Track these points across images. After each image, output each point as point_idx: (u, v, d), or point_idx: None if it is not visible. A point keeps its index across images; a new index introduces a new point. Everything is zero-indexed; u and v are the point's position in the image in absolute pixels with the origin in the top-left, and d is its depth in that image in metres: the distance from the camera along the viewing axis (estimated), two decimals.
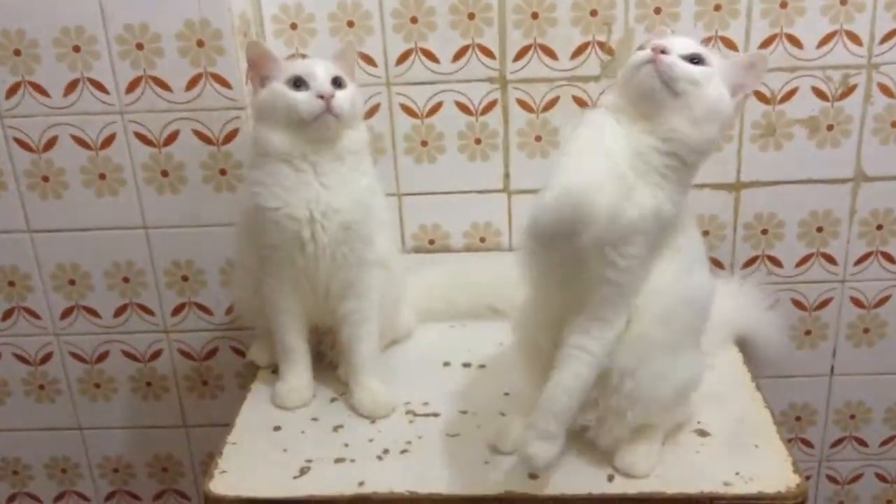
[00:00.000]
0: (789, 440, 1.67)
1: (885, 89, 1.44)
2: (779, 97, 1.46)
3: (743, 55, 0.96)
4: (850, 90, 1.45)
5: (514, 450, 1.03)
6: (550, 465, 0.95)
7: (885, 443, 1.69)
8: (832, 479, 1.73)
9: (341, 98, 1.09)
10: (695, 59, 0.91)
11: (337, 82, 1.10)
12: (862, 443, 1.69)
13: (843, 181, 1.50)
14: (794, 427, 1.68)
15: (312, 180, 1.10)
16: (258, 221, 1.13)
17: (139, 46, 1.35)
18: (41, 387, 1.63)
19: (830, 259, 1.55)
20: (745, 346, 1.30)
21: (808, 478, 1.61)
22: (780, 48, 1.42)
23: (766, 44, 1.42)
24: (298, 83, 1.09)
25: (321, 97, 1.07)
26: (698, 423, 1.09)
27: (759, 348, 1.31)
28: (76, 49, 1.36)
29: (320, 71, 1.09)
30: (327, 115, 1.07)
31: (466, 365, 1.27)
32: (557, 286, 0.96)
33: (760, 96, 1.45)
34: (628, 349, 0.95)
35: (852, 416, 1.67)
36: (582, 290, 0.93)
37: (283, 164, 1.10)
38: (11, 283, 1.54)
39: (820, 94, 1.45)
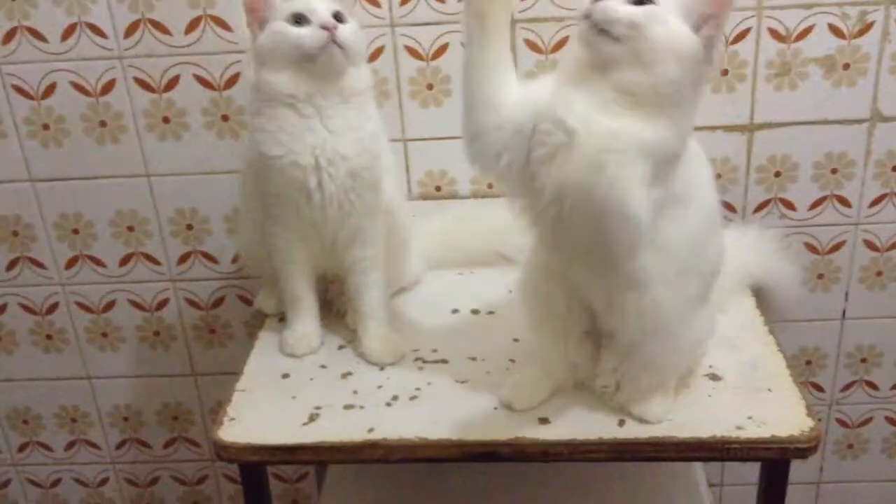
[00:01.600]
0: (800, 384, 1.67)
1: None
2: (794, 35, 1.42)
3: None
4: (868, 28, 1.41)
5: (529, 408, 1.02)
6: None
7: (895, 386, 1.69)
8: (842, 423, 1.73)
9: (345, 30, 1.06)
10: (642, 1, 0.85)
11: (338, 17, 1.07)
12: (873, 386, 1.69)
13: (859, 121, 1.47)
14: (804, 371, 1.67)
15: (318, 125, 1.08)
16: (262, 170, 1.10)
17: None
18: (48, 336, 1.64)
19: (844, 202, 1.53)
20: (759, 293, 1.28)
21: (818, 421, 1.62)
22: None
23: None
24: (299, 19, 1.06)
25: (325, 28, 1.05)
26: (710, 367, 1.09)
27: (774, 297, 1.29)
28: None
29: (320, 5, 1.07)
30: (332, 45, 1.05)
31: (475, 312, 1.26)
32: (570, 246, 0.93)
33: (775, 34, 1.41)
34: (641, 317, 0.94)
35: (863, 360, 1.66)
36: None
37: (287, 108, 1.07)
38: (15, 233, 1.53)
39: (836, 31, 1.41)
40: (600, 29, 0.85)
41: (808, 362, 1.67)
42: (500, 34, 0.89)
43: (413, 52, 1.46)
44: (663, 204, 0.89)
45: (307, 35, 1.05)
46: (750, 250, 1.29)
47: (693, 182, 0.93)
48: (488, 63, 0.90)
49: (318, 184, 1.09)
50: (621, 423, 0.99)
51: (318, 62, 1.05)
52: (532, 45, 1.44)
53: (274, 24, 1.07)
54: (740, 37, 1.42)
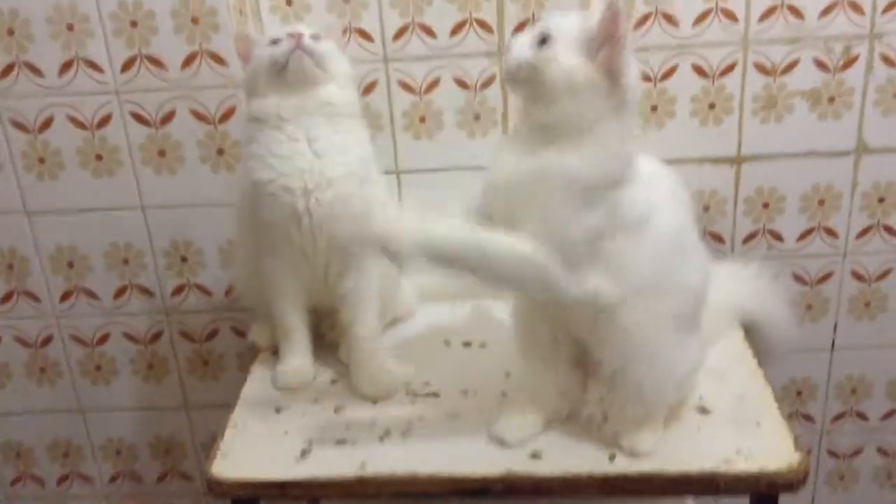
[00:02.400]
0: (790, 415, 1.67)
1: (887, 60, 1.42)
2: (780, 69, 1.44)
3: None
4: (852, 61, 1.43)
5: (521, 442, 1.03)
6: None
7: (885, 417, 1.69)
8: (833, 454, 1.73)
9: (314, 41, 1.11)
10: (543, 40, 0.91)
11: (315, 38, 1.12)
12: (863, 417, 1.70)
13: (845, 154, 1.49)
14: (794, 402, 1.68)
15: (305, 149, 1.10)
16: (255, 198, 1.13)
17: (133, 24, 1.34)
18: (42, 370, 1.64)
19: (832, 233, 1.55)
20: (750, 329, 1.28)
21: (808, 452, 1.62)
22: (781, 19, 1.40)
23: (767, 14, 1.40)
24: (275, 42, 1.12)
25: (291, 37, 1.10)
26: (699, 399, 1.09)
27: (765, 333, 1.30)
28: (70, 27, 1.35)
29: (297, 29, 1.12)
30: (298, 51, 1.09)
31: (467, 344, 1.27)
32: None
33: (761, 68, 1.43)
34: (616, 340, 0.96)
35: (853, 391, 1.67)
36: None
37: (275, 131, 1.11)
38: (10, 266, 1.54)
39: (821, 65, 1.43)
40: (511, 77, 0.93)
41: (799, 393, 1.67)
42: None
43: (406, 86, 1.48)
44: (610, 226, 0.91)
45: (277, 48, 1.10)
46: (741, 285, 1.30)
47: (652, 204, 0.95)
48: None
49: (307, 208, 1.11)
50: (612, 457, 1.00)
51: (289, 69, 1.09)
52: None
53: (255, 52, 1.14)
54: (727, 70, 1.44)
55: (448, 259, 0.91)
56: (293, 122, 1.10)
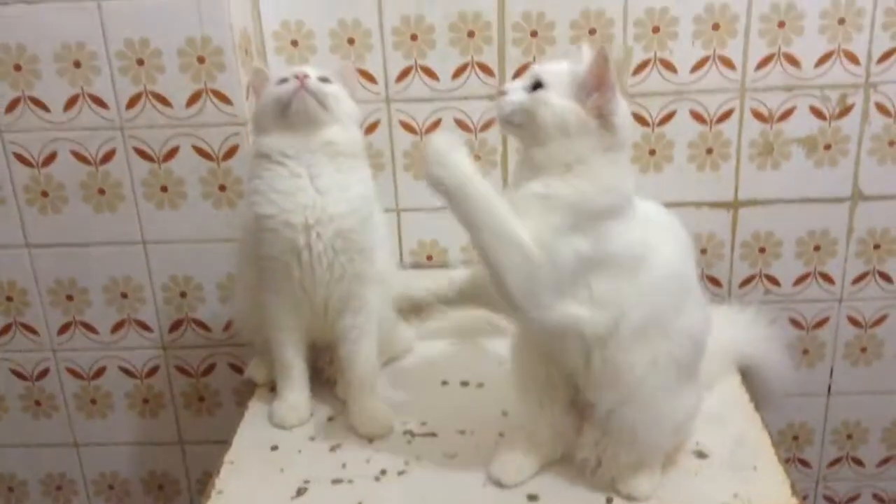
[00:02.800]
0: (787, 460, 1.67)
1: (882, 109, 1.45)
2: (776, 116, 1.46)
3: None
4: (848, 109, 1.45)
5: (518, 483, 1.03)
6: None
7: (881, 463, 1.69)
8: (829, 500, 1.72)
9: (319, 83, 1.12)
10: (536, 86, 0.96)
11: (323, 80, 1.14)
12: (859, 463, 1.69)
13: (841, 200, 1.51)
14: (791, 447, 1.68)
15: (307, 185, 1.11)
16: (257, 232, 1.13)
17: (140, 62, 1.36)
18: (37, 402, 1.63)
19: (828, 278, 1.56)
20: (747, 373, 1.28)
21: (805, 497, 1.61)
22: (778, 67, 1.43)
23: (764, 62, 1.42)
24: (283, 81, 1.13)
25: (296, 77, 1.11)
26: (697, 444, 1.09)
27: (762, 377, 1.30)
28: (76, 64, 1.36)
29: (304, 69, 1.13)
30: (302, 91, 1.10)
31: (465, 384, 1.27)
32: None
33: (758, 115, 1.46)
34: (607, 378, 0.96)
35: (849, 436, 1.67)
36: None
37: (278, 166, 1.12)
38: (9, 298, 1.54)
39: (817, 113, 1.46)
40: (506, 120, 0.98)
41: (796, 438, 1.67)
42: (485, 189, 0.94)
43: (407, 127, 1.50)
44: (599, 259, 0.93)
45: (282, 88, 1.12)
46: (738, 329, 1.30)
47: (650, 245, 0.96)
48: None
49: (307, 243, 1.11)
50: (609, 500, 1.00)
51: (292, 109, 1.11)
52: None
53: (265, 90, 1.15)
54: (724, 117, 1.46)
55: (455, 195, 0.92)
56: (296, 159, 1.12)
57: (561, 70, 0.96)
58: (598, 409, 0.99)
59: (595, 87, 0.93)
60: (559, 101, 0.94)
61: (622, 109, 0.95)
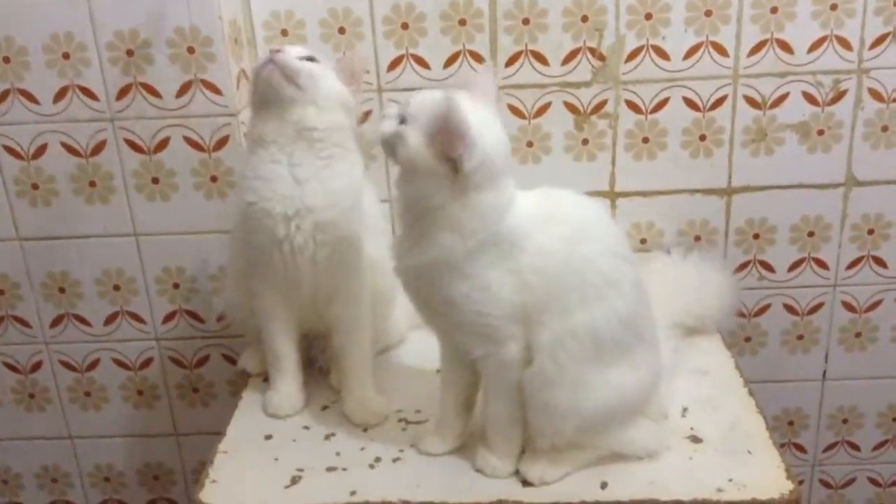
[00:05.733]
0: (782, 445, 1.67)
1: (875, 94, 1.45)
2: (769, 102, 1.46)
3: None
4: (841, 95, 1.45)
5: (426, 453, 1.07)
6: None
7: (877, 447, 1.70)
8: (825, 484, 1.73)
9: (292, 58, 1.08)
10: (402, 120, 0.94)
11: (310, 59, 1.10)
12: (854, 447, 1.70)
13: (834, 186, 1.51)
14: (786, 432, 1.68)
15: (286, 174, 1.09)
16: (244, 220, 1.13)
17: (129, 53, 1.35)
18: (31, 395, 1.63)
19: (822, 264, 1.56)
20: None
21: (801, 482, 1.61)
22: (771, 53, 1.43)
23: (757, 49, 1.42)
24: None
25: (271, 52, 1.08)
26: (691, 429, 1.09)
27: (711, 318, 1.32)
28: (66, 56, 1.36)
29: (287, 47, 1.11)
30: (269, 64, 1.07)
31: None
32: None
33: (751, 101, 1.46)
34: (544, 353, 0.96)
35: (845, 421, 1.67)
36: None
37: (262, 151, 1.10)
38: (1, 292, 1.53)
39: (811, 98, 1.45)
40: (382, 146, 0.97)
41: (791, 423, 1.67)
42: None
43: None
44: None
45: (258, 63, 1.10)
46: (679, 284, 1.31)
47: (526, 231, 0.95)
48: None
49: (287, 234, 1.10)
50: (603, 485, 1.00)
51: (259, 81, 1.09)
52: (515, 111, 1.48)
53: None
54: (717, 104, 1.46)
55: None
56: (275, 143, 1.09)
57: (427, 105, 0.92)
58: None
59: (439, 133, 0.90)
60: (413, 140, 0.92)
61: (478, 152, 0.90)
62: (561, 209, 0.99)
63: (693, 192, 1.51)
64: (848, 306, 1.58)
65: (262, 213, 1.09)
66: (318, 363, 1.27)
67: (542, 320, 0.95)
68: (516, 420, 1.00)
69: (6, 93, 1.39)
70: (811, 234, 1.53)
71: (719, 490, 0.98)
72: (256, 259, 1.14)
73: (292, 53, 1.09)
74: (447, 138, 0.89)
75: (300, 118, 1.08)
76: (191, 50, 1.34)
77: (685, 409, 1.14)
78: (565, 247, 0.95)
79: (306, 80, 1.08)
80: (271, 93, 1.08)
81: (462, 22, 1.43)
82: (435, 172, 0.92)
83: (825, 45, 1.42)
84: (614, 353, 0.97)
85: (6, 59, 1.36)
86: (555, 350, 0.95)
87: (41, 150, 1.43)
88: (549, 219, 0.97)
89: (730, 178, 1.51)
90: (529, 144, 1.50)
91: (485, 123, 0.93)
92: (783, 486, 0.98)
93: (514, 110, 1.48)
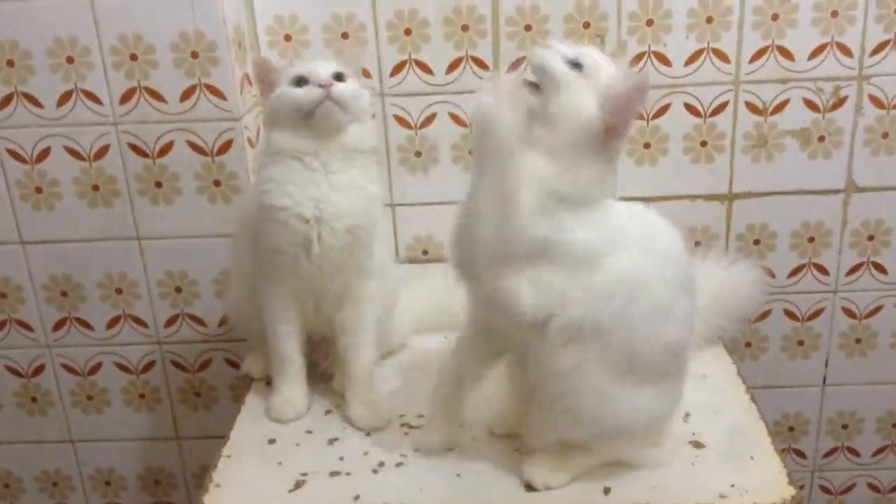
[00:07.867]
0: (782, 450, 1.67)
1: (875, 101, 1.45)
2: (770, 108, 1.46)
3: None
4: (841, 102, 1.46)
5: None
6: None
7: (877, 453, 1.70)
8: (825, 490, 1.73)
9: (342, 87, 1.11)
10: (575, 65, 0.91)
11: (339, 77, 1.12)
12: (854, 453, 1.70)
13: (835, 192, 1.51)
14: (786, 437, 1.69)
15: (322, 179, 1.11)
16: (263, 223, 1.13)
17: (133, 57, 1.35)
18: (33, 399, 1.63)
19: (822, 269, 1.56)
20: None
21: (801, 488, 1.62)
22: (772, 60, 1.43)
23: (758, 55, 1.43)
24: (300, 82, 1.11)
25: (320, 86, 1.09)
26: (693, 434, 1.10)
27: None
28: (70, 60, 1.36)
29: (320, 67, 1.12)
30: (328, 101, 1.09)
31: None
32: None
33: (752, 107, 1.46)
34: (532, 374, 0.96)
35: (845, 426, 1.68)
36: None
37: (293, 161, 1.11)
38: (3, 295, 1.53)
39: (811, 105, 1.46)
40: (530, 82, 0.92)
41: (791, 428, 1.68)
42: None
43: (402, 121, 1.50)
44: (552, 250, 0.90)
45: (304, 94, 1.10)
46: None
47: (599, 249, 0.92)
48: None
49: (319, 237, 1.11)
50: (606, 490, 1.00)
51: (316, 118, 1.10)
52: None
53: (279, 89, 1.13)
54: (718, 109, 1.47)
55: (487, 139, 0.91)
56: (312, 155, 1.11)
57: (605, 67, 0.91)
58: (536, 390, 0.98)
59: (620, 108, 0.88)
60: (585, 96, 0.89)
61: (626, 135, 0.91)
62: (647, 231, 0.97)
63: (694, 197, 1.52)
64: (848, 312, 1.59)
65: (294, 217, 1.11)
66: (320, 368, 1.28)
67: (592, 336, 0.92)
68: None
69: (10, 96, 1.39)
70: (811, 240, 1.54)
71: (722, 495, 0.98)
72: (274, 262, 1.14)
73: (327, 74, 1.10)
74: (627, 115, 0.88)
75: (349, 139, 1.12)
76: (194, 55, 1.34)
77: (687, 415, 1.14)
78: (640, 276, 0.93)
79: (353, 103, 1.11)
80: (329, 126, 1.10)
81: (465, 28, 1.43)
82: (587, 129, 0.89)
83: (826, 51, 1.43)
84: (650, 376, 0.96)
85: (10, 63, 1.36)
86: (593, 360, 0.93)
87: (44, 153, 1.43)
88: (633, 240, 0.94)
89: (731, 183, 1.51)
90: None
91: None
92: (785, 492, 0.99)
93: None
